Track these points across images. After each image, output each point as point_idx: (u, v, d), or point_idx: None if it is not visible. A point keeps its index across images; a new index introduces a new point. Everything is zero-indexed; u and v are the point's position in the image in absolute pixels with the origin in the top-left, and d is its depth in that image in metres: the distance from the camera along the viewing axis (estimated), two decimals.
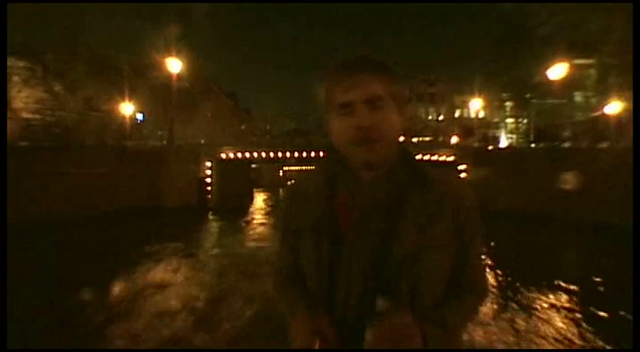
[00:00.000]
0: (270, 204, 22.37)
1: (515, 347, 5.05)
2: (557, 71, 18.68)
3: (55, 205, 13.00)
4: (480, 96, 31.66)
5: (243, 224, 15.42)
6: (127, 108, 22.89)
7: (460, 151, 20.13)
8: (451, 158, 19.31)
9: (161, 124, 28.43)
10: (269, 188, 26.97)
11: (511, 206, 15.94)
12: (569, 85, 20.16)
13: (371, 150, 0.92)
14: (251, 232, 13.89)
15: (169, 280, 7.92)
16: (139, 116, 26.08)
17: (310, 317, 0.90)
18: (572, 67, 19.03)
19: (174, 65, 19.29)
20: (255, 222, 16.07)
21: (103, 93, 22.12)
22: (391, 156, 0.97)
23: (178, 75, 19.96)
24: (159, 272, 8.47)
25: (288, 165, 22.78)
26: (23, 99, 18.49)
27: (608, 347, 4.97)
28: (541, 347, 5.06)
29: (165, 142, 25.07)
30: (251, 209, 19.76)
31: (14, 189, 11.54)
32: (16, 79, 17.82)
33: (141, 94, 23.86)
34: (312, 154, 18.57)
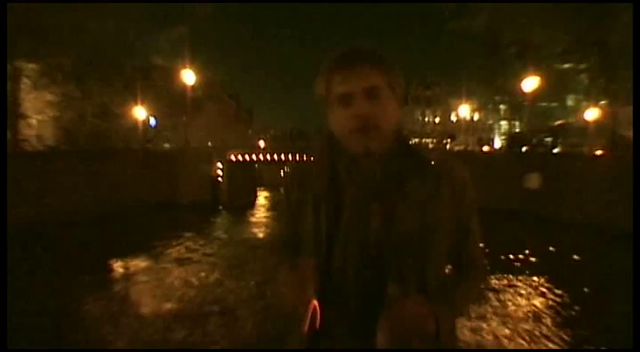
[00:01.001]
0: (271, 201, 25.11)
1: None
2: (530, 83, 21.33)
3: (96, 201, 15.76)
4: (467, 101, 34.16)
5: (249, 216, 18.30)
6: (140, 113, 25.47)
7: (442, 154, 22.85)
8: None
9: (170, 127, 31.03)
10: (270, 187, 29.46)
11: (482, 202, 18.71)
12: (561, 88, 22.31)
13: (370, 138, 0.96)
14: (256, 222, 16.82)
15: (199, 251, 10.85)
16: (152, 120, 28.80)
17: (301, 268, 0.93)
18: (562, 71, 21.23)
19: (188, 77, 21.99)
20: (259, 215, 18.97)
21: (117, 98, 23.78)
22: (388, 144, 1.01)
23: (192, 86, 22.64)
24: (190, 246, 11.39)
25: (289, 166, 25.47)
26: (32, 101, 19.53)
27: (606, 347, 5.35)
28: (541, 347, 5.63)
29: (171, 144, 27.71)
30: (255, 205, 22.56)
31: (67, 188, 14.42)
32: (29, 82, 18.73)
33: (152, 99, 26.33)
34: (312, 157, 21.24)
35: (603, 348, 5.31)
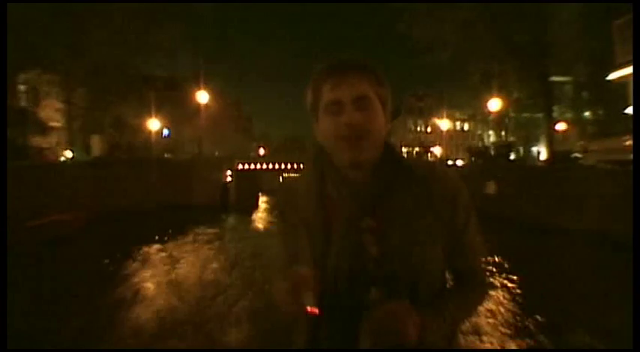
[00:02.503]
0: (270, 204, 29.50)
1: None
2: (494, 104, 25.76)
3: (124, 201, 20.21)
4: (452, 113, 38.51)
5: (253, 215, 23.01)
6: (153, 124, 29.32)
7: None
8: None
9: (182, 137, 35.20)
10: (270, 192, 32.33)
11: None
12: (546, 99, 26.10)
13: (358, 148, 0.97)
14: (258, 219, 21.68)
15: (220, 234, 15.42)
16: (165, 131, 33.24)
17: (298, 274, 0.92)
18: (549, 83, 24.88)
19: (203, 97, 26.53)
20: (260, 215, 23.66)
21: (132, 110, 26.77)
22: (377, 156, 1.02)
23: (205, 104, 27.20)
24: (212, 231, 15.89)
25: (287, 173, 29.75)
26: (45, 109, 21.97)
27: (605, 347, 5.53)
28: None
29: (171, 154, 31.41)
30: (258, 207, 27.09)
31: (103, 190, 18.92)
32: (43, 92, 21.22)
33: (166, 111, 30.08)
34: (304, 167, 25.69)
35: (603, 348, 5.45)
